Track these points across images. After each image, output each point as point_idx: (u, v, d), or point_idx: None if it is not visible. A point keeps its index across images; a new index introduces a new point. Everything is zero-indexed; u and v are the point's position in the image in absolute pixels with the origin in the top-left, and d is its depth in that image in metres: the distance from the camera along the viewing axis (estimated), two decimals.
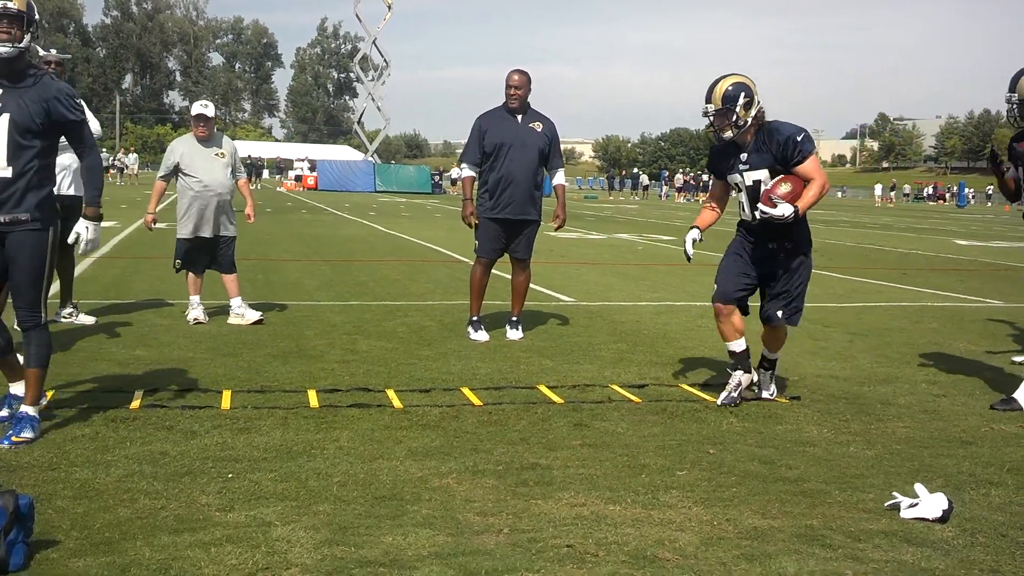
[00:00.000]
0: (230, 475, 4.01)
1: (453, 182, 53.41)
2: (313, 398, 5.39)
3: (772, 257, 5.59)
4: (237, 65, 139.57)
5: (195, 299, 7.92)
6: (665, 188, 64.91)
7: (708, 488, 4.10)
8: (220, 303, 8.27)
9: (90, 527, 3.37)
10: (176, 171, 7.91)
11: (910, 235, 26.22)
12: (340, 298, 9.68)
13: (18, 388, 4.65)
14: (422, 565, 3.15)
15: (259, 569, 3.07)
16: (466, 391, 5.69)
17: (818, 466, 4.51)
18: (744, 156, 5.49)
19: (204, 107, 7.93)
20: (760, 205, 5.37)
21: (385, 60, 67.41)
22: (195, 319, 7.81)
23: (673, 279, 12.77)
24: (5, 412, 4.67)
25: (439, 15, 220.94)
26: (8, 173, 4.27)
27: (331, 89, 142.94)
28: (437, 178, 57.03)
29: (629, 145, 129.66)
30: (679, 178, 63.05)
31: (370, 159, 64.33)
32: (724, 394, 5.60)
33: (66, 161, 7.01)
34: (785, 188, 5.34)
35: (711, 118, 5.43)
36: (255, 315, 7.91)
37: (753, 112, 5.39)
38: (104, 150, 66.21)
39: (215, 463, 4.16)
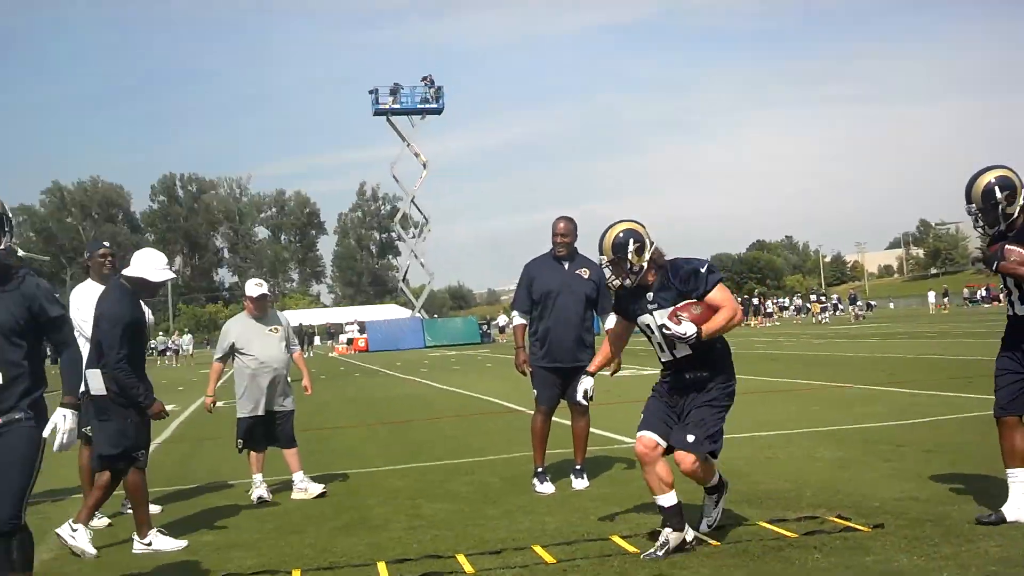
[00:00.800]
0: None
1: (502, 329, 53.80)
2: (383, 571, 5.28)
3: (690, 387, 5.50)
4: (283, 237, 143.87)
5: (258, 477, 7.91)
6: None
7: None
8: (282, 478, 8.25)
9: None
10: (232, 351, 8.04)
11: (969, 341, 25.70)
12: (400, 461, 9.61)
13: None
14: None
15: None
16: (537, 549, 5.54)
17: None
18: (650, 296, 5.51)
19: (258, 286, 8.13)
20: (666, 321, 5.36)
21: (424, 217, 69.30)
22: (259, 497, 7.78)
23: (735, 409, 12.50)
24: None
25: (475, 168, 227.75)
26: (0, 379, 4.21)
27: (374, 250, 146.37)
28: (485, 327, 57.48)
29: None
30: None
31: (417, 315, 65.22)
32: (649, 551, 5.28)
33: None
34: (696, 310, 5.33)
35: (608, 269, 5.52)
36: (318, 488, 7.86)
37: (647, 255, 5.45)
38: (161, 333, 67.85)
39: None
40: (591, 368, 6.09)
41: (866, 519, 5.80)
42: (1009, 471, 5.57)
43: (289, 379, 8.20)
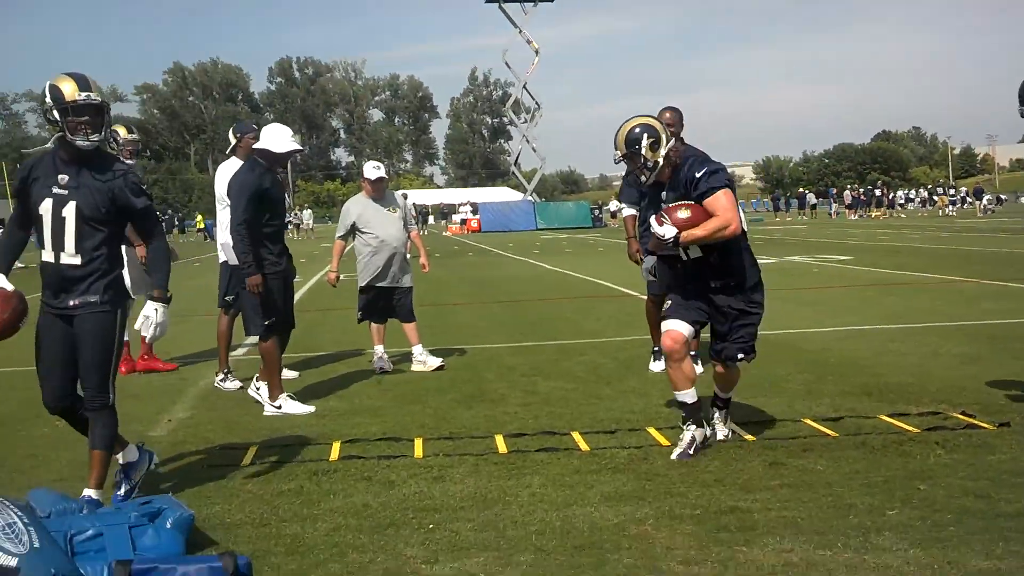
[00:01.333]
0: (431, 525, 4.08)
1: (613, 215, 53.36)
2: (501, 443, 5.44)
3: (716, 294, 5.27)
4: (396, 119, 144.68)
5: (379, 348, 8.19)
6: (835, 206, 62.62)
7: (923, 528, 3.86)
8: (403, 351, 8.51)
9: None
10: (353, 230, 8.24)
11: None
12: (514, 339, 9.78)
13: (130, 454, 4.67)
14: None
15: None
16: (652, 431, 5.61)
17: None
18: (664, 195, 5.32)
19: (376, 169, 8.27)
20: (652, 220, 5.17)
21: (536, 102, 68.73)
22: (381, 368, 8.08)
23: (855, 302, 12.26)
24: (122, 490, 4.61)
25: (586, 54, 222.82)
26: (77, 260, 4.32)
27: (486, 134, 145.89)
28: (596, 212, 57.10)
29: (792, 164, 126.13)
30: (848, 194, 60.77)
31: (529, 198, 65.23)
32: (678, 451, 5.16)
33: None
34: (683, 214, 5.07)
35: (626, 164, 5.32)
36: (436, 361, 8.10)
37: (662, 151, 5.18)
38: None
39: (415, 513, 4.25)
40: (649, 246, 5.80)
41: (992, 417, 5.65)
42: None
43: (408, 259, 8.38)
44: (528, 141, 69.25)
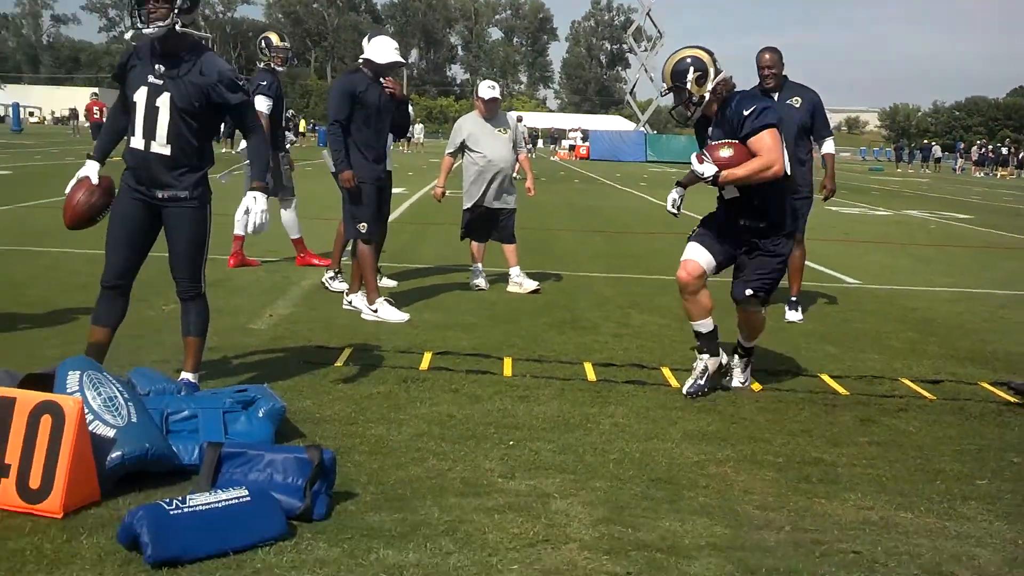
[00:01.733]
0: (511, 442, 4.14)
1: None
2: (590, 371, 5.46)
3: (744, 234, 5.07)
4: (515, 39, 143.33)
5: (478, 267, 8.26)
6: (960, 161, 59.88)
7: (1012, 501, 3.75)
8: (500, 271, 8.56)
9: (384, 483, 3.60)
10: (463, 147, 8.24)
11: None
12: (612, 270, 9.73)
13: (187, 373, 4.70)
14: (700, 555, 3.11)
15: (539, 540, 3.16)
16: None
17: None
18: (710, 131, 5.11)
19: (491, 89, 8.21)
20: (692, 157, 4.98)
21: (659, 31, 66.89)
22: (477, 286, 8.16)
23: (971, 263, 11.78)
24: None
25: None
26: (167, 151, 4.34)
27: (604, 60, 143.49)
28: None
29: (920, 114, 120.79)
30: (975, 151, 57.97)
31: (641, 129, 64.15)
32: (690, 382, 5.09)
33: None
34: (726, 152, 4.86)
35: (672, 98, 5.08)
36: (532, 284, 8.13)
37: (709, 86, 4.94)
38: None
39: (497, 429, 4.32)
40: (684, 182, 5.44)
41: None
42: None
43: (514, 181, 8.36)
44: (646, 71, 67.63)
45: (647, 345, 6.24)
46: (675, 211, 5.43)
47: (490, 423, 4.41)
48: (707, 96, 5.04)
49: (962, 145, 66.80)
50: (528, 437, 4.23)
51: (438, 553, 3.02)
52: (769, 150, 4.87)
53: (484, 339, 6.20)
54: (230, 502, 3.06)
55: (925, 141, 71.12)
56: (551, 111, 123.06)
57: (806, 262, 7.71)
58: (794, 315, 7.38)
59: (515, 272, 8.22)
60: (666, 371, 5.53)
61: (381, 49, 6.81)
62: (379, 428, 4.25)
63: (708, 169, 4.93)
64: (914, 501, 3.69)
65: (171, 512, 2.94)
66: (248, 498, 3.09)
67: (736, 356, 5.37)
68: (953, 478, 3.99)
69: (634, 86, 74.28)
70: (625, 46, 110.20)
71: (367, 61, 6.80)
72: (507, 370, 5.39)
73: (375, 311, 6.69)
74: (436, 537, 3.13)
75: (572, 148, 57.05)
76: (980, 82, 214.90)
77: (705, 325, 5.21)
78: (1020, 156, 56.24)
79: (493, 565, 2.97)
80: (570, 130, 64.41)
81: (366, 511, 3.32)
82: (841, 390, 5.33)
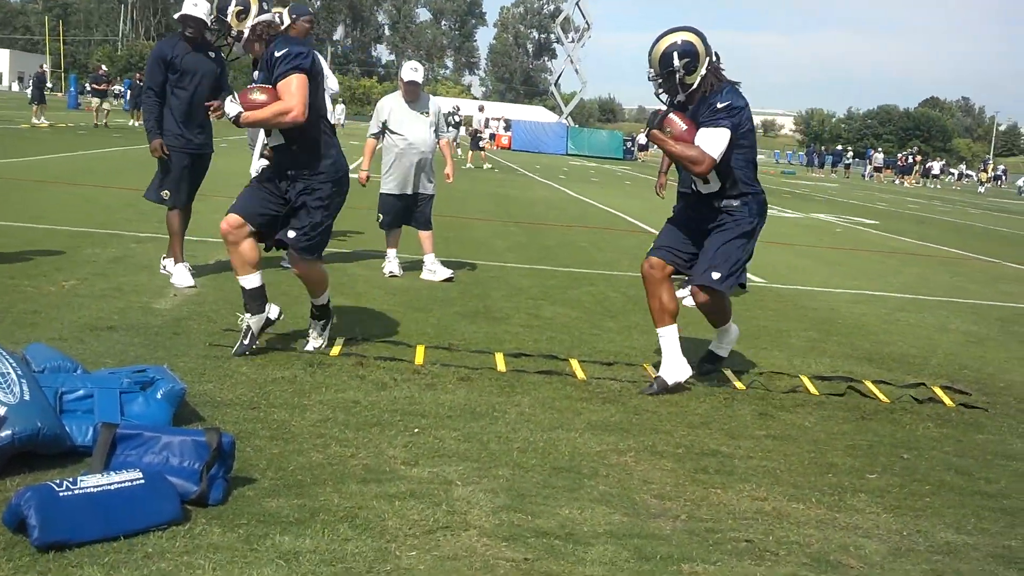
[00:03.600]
0: (416, 430, 4.14)
1: (642, 148, 52.83)
2: (498, 361, 5.48)
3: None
4: (443, 22, 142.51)
5: (392, 252, 8.21)
6: (870, 167, 61.68)
7: (899, 495, 3.90)
8: (414, 258, 8.53)
9: (284, 469, 3.56)
10: (384, 129, 8.17)
11: None
12: (527, 261, 9.78)
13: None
14: (597, 542, 3.16)
15: (439, 527, 3.16)
16: (648, 367, 5.63)
17: (1021, 482, 4.24)
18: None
19: (414, 71, 8.13)
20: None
21: (587, 22, 67.36)
22: (391, 272, 8.10)
23: (873, 266, 12.18)
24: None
25: None
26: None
27: (531, 49, 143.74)
28: (629, 144, 56.47)
29: (834, 120, 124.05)
30: (879, 157, 59.85)
31: (564, 121, 64.52)
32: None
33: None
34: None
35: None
36: (446, 272, 8.12)
37: (701, 71, 4.94)
38: None
39: (403, 416, 4.31)
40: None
41: (987, 398, 5.66)
42: None
43: (433, 166, 8.32)
44: (572, 62, 68.24)
45: (557, 337, 6.29)
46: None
47: (396, 410, 4.39)
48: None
49: (872, 152, 68.74)
50: (433, 425, 4.23)
51: (336, 539, 3.00)
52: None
53: (395, 326, 6.18)
54: (123, 484, 2.99)
55: (838, 147, 73.13)
56: (475, 98, 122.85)
57: None
58: (691, 300, 7.69)
59: (429, 259, 8.19)
60: (574, 363, 5.58)
61: (185, 2, 6.87)
62: (282, 413, 4.20)
63: (232, 109, 4.94)
64: (806, 493, 3.81)
65: (61, 494, 2.86)
66: (142, 481, 3.02)
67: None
68: (844, 472, 4.13)
69: (559, 77, 74.79)
70: (553, 36, 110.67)
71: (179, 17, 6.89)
72: (419, 358, 5.37)
73: (169, 272, 6.95)
74: (334, 523, 3.11)
75: (493, 137, 57.05)
76: (894, 91, 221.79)
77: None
78: (927, 165, 58.16)
79: (391, 551, 2.96)
80: (493, 119, 64.41)
81: (264, 497, 3.28)
82: (740, 384, 5.46)
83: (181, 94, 6.82)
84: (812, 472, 4.09)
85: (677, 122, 4.96)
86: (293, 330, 5.74)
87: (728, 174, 5.03)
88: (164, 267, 7.12)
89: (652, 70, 5.04)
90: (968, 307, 9.27)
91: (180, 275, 6.87)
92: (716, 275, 5.02)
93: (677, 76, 4.95)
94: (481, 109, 35.63)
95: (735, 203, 5.09)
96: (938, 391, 5.63)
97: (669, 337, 5.22)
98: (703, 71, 4.97)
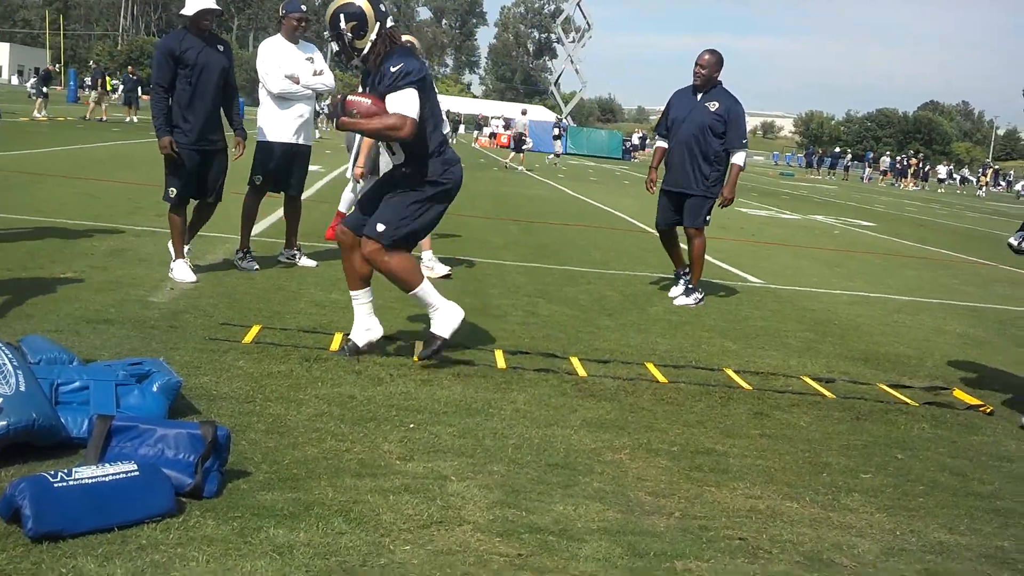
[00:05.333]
0: (412, 425, 4.14)
1: (636, 147, 52.85)
2: (495, 358, 5.48)
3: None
4: (444, 21, 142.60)
5: None
6: (868, 170, 61.77)
7: (893, 495, 3.91)
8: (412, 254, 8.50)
9: (279, 462, 3.56)
10: None
11: None
12: (525, 259, 9.78)
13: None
14: (591, 539, 3.16)
15: (434, 522, 3.17)
16: (649, 366, 5.63)
17: (1014, 484, 4.23)
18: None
19: None
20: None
21: (588, 22, 67.53)
22: None
23: (871, 268, 12.19)
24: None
25: None
26: None
27: (531, 49, 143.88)
28: (628, 144, 56.49)
29: (833, 122, 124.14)
30: (884, 160, 59.90)
31: (564, 121, 64.52)
32: None
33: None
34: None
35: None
36: (444, 269, 8.12)
37: (369, 39, 4.93)
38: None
39: (398, 412, 4.31)
40: None
41: (984, 400, 5.66)
42: None
43: None
44: (572, 62, 68.36)
45: (553, 335, 6.29)
46: None
47: (392, 405, 4.40)
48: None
49: (871, 155, 68.84)
50: (429, 420, 4.24)
51: (330, 533, 3.00)
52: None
53: (391, 322, 6.16)
54: (118, 476, 2.99)
55: (837, 149, 73.20)
56: (475, 96, 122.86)
57: (715, 260, 7.92)
58: (683, 299, 7.85)
59: (427, 256, 8.19)
60: (572, 360, 5.58)
61: (189, 1, 6.71)
62: (277, 407, 4.19)
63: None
64: (800, 492, 3.82)
65: (56, 485, 2.86)
66: (137, 473, 3.03)
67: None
68: (839, 471, 4.14)
69: (559, 77, 74.91)
70: (553, 36, 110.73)
71: (183, 17, 6.72)
72: (415, 354, 5.37)
73: (171, 270, 6.82)
74: (329, 517, 3.11)
75: (493, 136, 57.04)
76: (892, 95, 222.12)
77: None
78: (926, 169, 58.24)
79: (385, 545, 2.97)
80: (493, 117, 64.40)
81: (258, 490, 3.28)
82: (742, 383, 5.46)
83: (190, 89, 6.67)
84: (806, 471, 4.09)
85: (358, 100, 4.93)
86: (293, 325, 5.74)
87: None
88: (173, 270, 6.87)
89: (327, 32, 5.08)
90: (966, 309, 9.29)
91: (180, 270, 6.80)
92: (381, 227, 5.02)
93: (346, 40, 4.96)
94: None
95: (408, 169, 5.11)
96: (952, 395, 5.66)
97: (362, 299, 5.26)
98: (373, 36, 4.96)
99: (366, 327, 5.29)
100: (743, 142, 7.76)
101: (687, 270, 8.05)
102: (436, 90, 5.38)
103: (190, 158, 6.75)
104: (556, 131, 37.50)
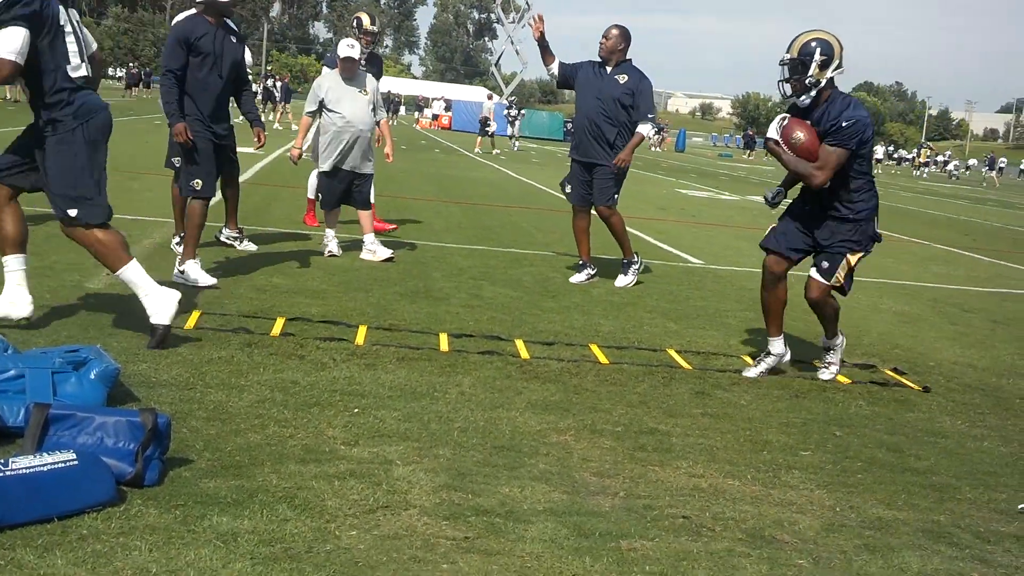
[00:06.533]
0: (356, 410, 4.12)
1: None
2: (438, 341, 5.47)
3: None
4: (382, 1, 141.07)
5: (331, 232, 8.13)
6: None
7: (832, 472, 4.00)
8: (353, 238, 8.46)
9: (221, 450, 3.52)
10: (321, 107, 8.06)
11: None
12: (468, 242, 9.77)
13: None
14: (537, 520, 3.18)
15: (379, 507, 3.16)
16: (592, 347, 5.67)
17: (949, 459, 4.35)
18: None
19: (351, 48, 8.01)
20: (773, 126, 5.34)
21: (527, 3, 67.26)
22: (330, 252, 8.02)
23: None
24: None
25: None
26: None
27: (471, 29, 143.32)
28: (570, 126, 56.62)
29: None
30: None
31: (504, 102, 64.45)
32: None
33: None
34: (800, 135, 5.17)
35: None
36: (386, 252, 8.07)
37: (829, 73, 5.14)
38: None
39: (342, 397, 4.28)
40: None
41: (918, 376, 5.82)
42: None
43: (372, 145, 8.25)
44: (512, 43, 68.09)
45: (497, 317, 6.30)
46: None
47: (335, 390, 4.37)
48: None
49: None
50: (373, 405, 4.22)
51: (274, 520, 2.98)
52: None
53: (335, 307, 6.13)
54: (56, 466, 2.92)
55: None
56: (415, 78, 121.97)
57: (656, 241, 7.97)
58: (622, 279, 7.97)
59: (369, 239, 8.13)
60: (519, 343, 5.60)
61: None
62: (218, 394, 4.14)
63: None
64: (741, 470, 3.89)
65: None
66: (76, 462, 2.96)
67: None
68: (779, 449, 4.22)
69: (499, 57, 74.71)
70: (493, 15, 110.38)
71: (203, 3, 6.42)
72: (360, 338, 5.34)
73: (182, 271, 6.38)
74: (273, 504, 3.09)
75: (435, 117, 56.78)
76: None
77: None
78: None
79: (331, 531, 2.95)
80: (434, 99, 64.07)
81: (201, 478, 3.24)
82: (683, 363, 5.53)
83: (203, 77, 6.36)
84: (747, 449, 4.17)
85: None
86: (233, 310, 5.67)
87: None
88: (180, 273, 6.41)
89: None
90: (900, 288, 9.50)
91: (196, 272, 6.36)
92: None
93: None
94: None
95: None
96: (888, 373, 5.79)
97: (12, 265, 4.95)
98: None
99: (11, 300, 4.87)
100: (650, 116, 7.84)
101: (592, 265, 8.02)
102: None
103: (205, 147, 6.44)
104: (513, 112, 37.39)
